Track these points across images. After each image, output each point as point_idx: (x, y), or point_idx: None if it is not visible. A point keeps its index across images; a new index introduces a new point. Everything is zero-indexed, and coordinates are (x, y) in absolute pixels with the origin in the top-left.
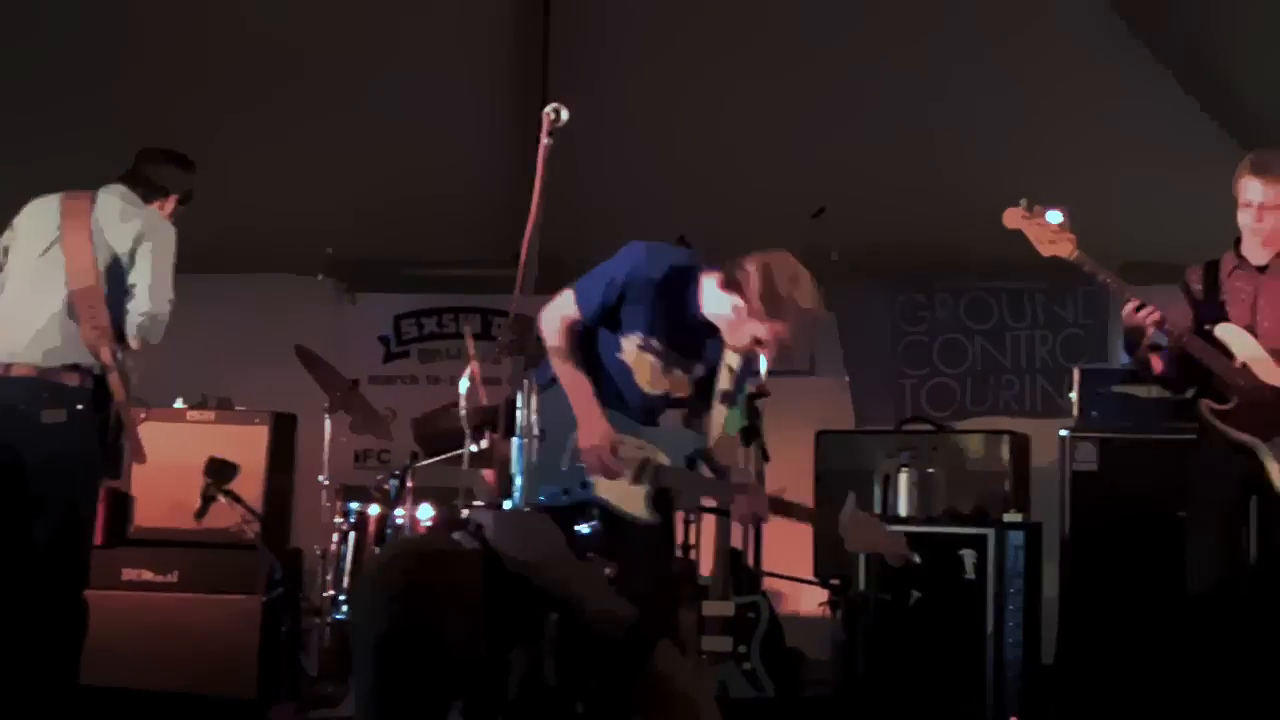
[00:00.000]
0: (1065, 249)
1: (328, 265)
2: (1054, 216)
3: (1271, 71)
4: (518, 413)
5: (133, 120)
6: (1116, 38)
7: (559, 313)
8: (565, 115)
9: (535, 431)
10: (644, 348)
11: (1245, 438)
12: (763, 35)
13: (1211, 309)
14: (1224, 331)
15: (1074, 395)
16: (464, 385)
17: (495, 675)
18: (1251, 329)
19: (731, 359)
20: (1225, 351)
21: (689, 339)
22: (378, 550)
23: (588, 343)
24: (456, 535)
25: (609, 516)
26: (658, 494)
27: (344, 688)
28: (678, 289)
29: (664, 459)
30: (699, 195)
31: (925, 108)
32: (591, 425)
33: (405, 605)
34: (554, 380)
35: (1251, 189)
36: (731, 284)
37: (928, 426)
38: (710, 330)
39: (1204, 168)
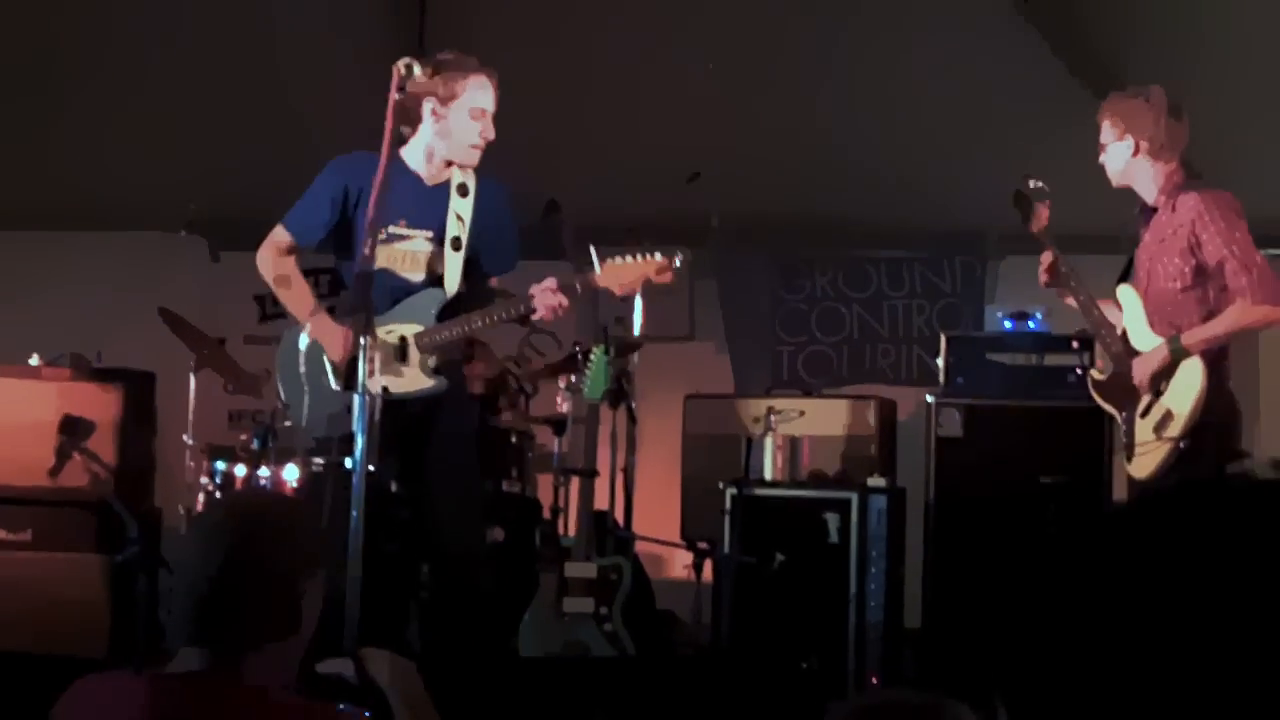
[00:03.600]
0: (1036, 225)
1: (191, 221)
2: (1041, 195)
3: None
4: (359, 370)
5: None
6: (1000, 15)
7: (271, 248)
8: (418, 71)
9: (378, 390)
10: (388, 239)
11: (1107, 408)
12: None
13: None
14: (1121, 293)
15: (940, 362)
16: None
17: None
18: (1136, 288)
19: (459, 205)
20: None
21: (425, 209)
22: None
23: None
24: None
25: (412, 412)
26: (432, 360)
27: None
28: (389, 170)
29: (415, 328)
30: (576, 158)
31: (810, 76)
32: (332, 337)
33: (213, 541)
34: None
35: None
36: (411, 112)
37: (796, 392)
38: (439, 192)
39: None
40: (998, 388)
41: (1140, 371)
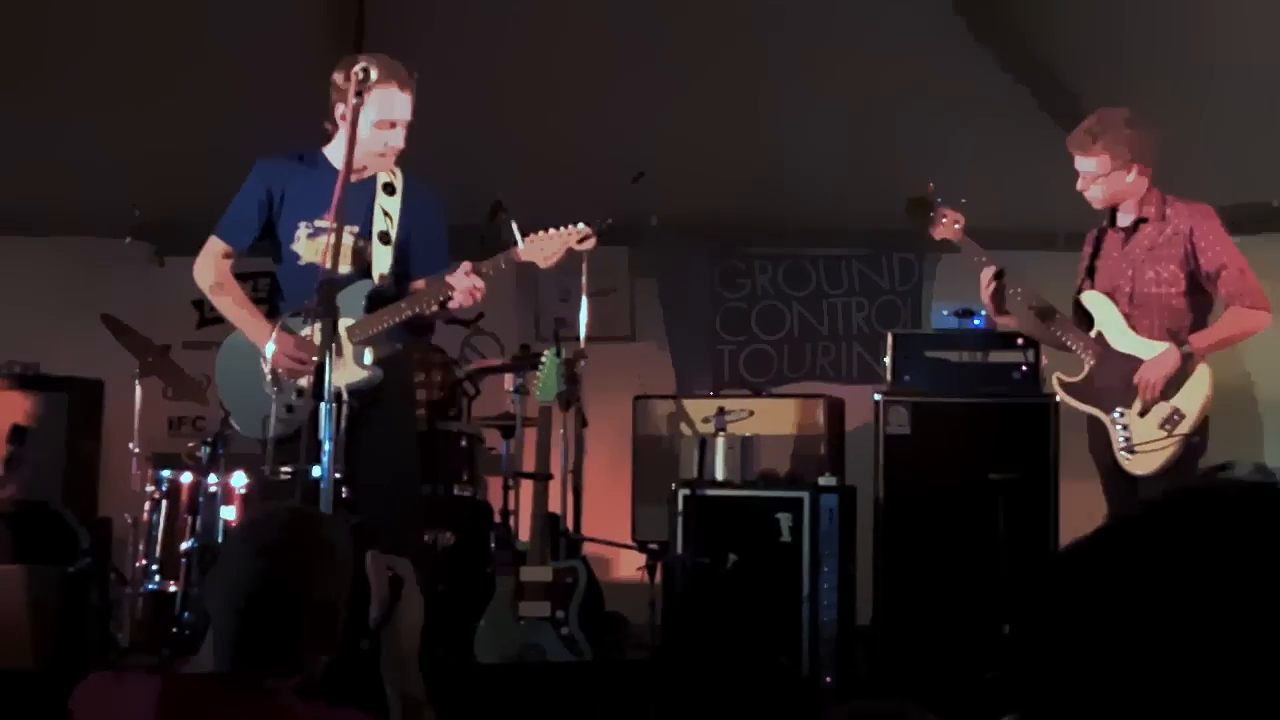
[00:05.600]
0: (953, 232)
1: (136, 228)
2: (949, 205)
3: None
4: (325, 378)
5: None
6: (941, 18)
7: (209, 256)
8: (375, 74)
9: (345, 396)
10: (314, 234)
11: (1089, 410)
12: None
13: (1090, 274)
14: (1088, 299)
15: (887, 360)
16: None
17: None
18: (1113, 294)
19: (385, 201)
20: (1088, 319)
21: (349, 205)
22: (190, 518)
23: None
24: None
25: (350, 406)
26: (365, 352)
27: (156, 659)
28: (309, 165)
29: (347, 321)
30: (517, 158)
31: (749, 76)
32: (265, 339)
33: (274, 560)
34: None
35: (1077, 164)
36: (330, 116)
37: (745, 392)
38: (363, 188)
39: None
40: (944, 384)
41: (1152, 374)
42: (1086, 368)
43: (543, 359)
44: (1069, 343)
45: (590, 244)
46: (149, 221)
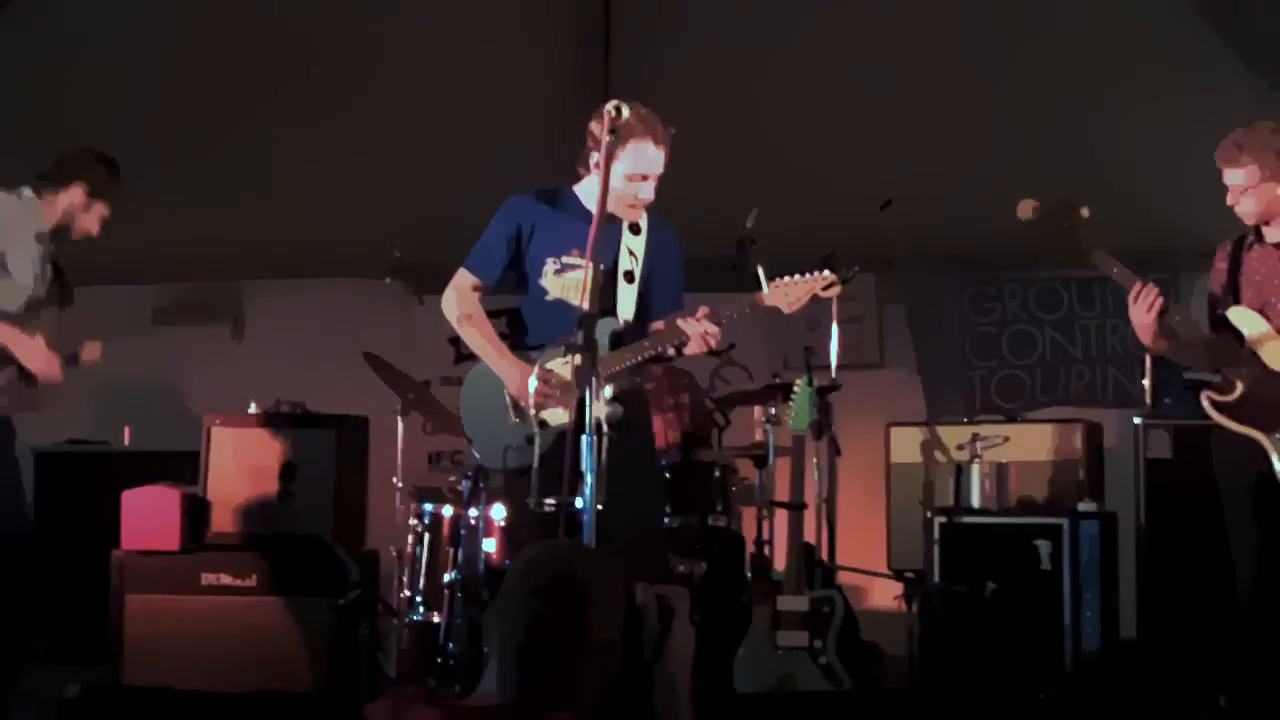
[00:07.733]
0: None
1: (395, 269)
2: (1067, 209)
3: None
4: (586, 411)
5: (185, 131)
6: (1191, 30)
7: (457, 289)
8: (626, 113)
9: (606, 429)
10: (561, 269)
11: (1246, 431)
12: (830, 27)
13: (1233, 289)
14: (1236, 315)
15: (1146, 383)
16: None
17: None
18: (1264, 310)
19: (631, 241)
20: (1238, 336)
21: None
22: (452, 551)
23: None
24: None
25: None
26: (607, 388)
27: (423, 689)
28: (559, 204)
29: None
30: (765, 191)
31: (991, 98)
32: (511, 371)
33: (550, 599)
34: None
35: (1225, 177)
36: (583, 160)
37: (999, 417)
38: (611, 227)
39: None
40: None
41: None
42: (1239, 387)
43: (794, 388)
44: (1230, 364)
45: (835, 291)
46: (407, 262)
